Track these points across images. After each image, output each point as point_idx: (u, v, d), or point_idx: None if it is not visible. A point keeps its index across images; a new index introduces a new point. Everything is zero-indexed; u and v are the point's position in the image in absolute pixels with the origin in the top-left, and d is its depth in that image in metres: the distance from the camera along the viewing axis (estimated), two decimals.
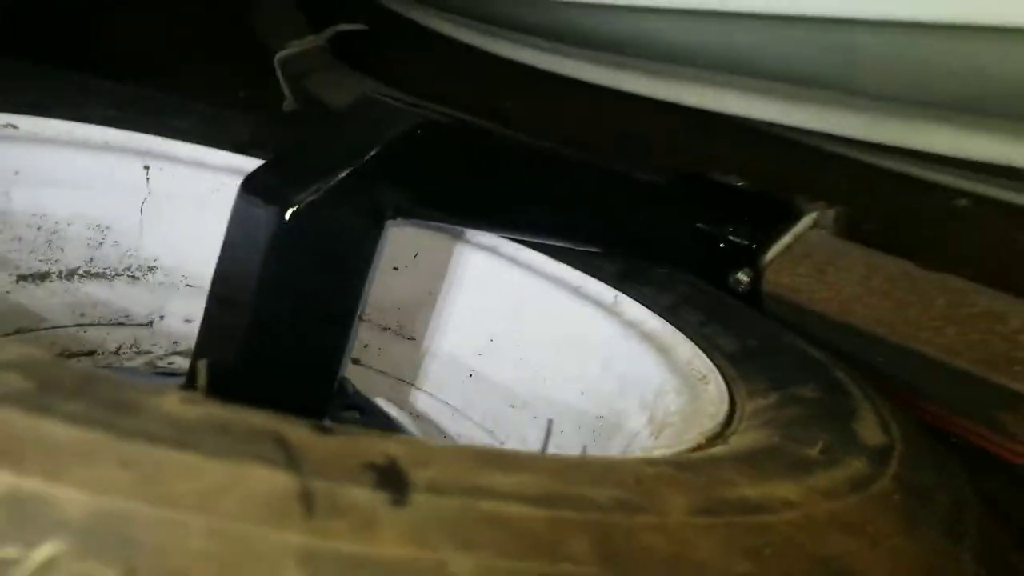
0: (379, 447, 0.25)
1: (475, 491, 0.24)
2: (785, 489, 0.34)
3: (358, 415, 0.66)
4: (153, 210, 0.74)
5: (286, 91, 1.37)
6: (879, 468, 0.42)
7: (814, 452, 0.41)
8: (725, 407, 0.54)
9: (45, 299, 0.70)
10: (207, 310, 0.58)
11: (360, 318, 0.59)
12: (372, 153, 0.53)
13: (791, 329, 0.87)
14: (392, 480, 0.23)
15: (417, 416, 0.81)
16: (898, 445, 0.47)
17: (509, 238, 0.78)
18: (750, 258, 0.87)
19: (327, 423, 0.25)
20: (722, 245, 0.87)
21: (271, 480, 0.21)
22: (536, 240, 0.75)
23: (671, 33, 0.80)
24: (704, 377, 0.62)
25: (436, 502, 0.23)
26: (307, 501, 0.21)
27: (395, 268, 0.82)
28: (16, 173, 0.65)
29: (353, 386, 0.71)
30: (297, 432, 0.24)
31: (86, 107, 0.72)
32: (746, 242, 0.87)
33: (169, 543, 0.18)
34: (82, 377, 0.23)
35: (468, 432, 0.79)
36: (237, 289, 0.55)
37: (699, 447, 0.44)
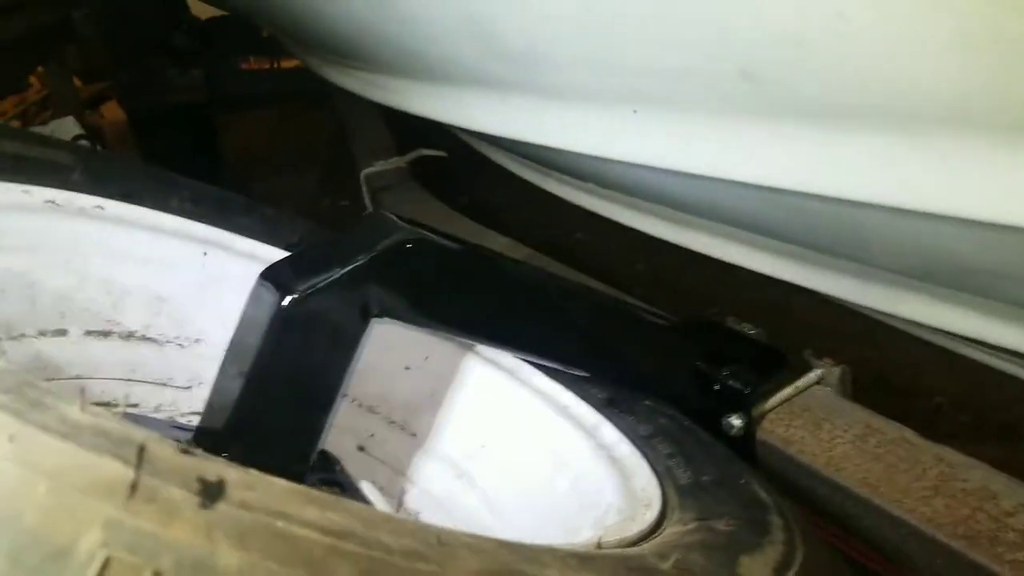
0: (219, 470, 0.33)
1: (279, 515, 0.31)
2: None
3: (339, 491, 0.74)
4: (205, 291, 0.86)
5: (368, 203, 1.53)
6: None
7: (666, 565, 0.45)
8: (647, 529, 0.59)
9: (104, 354, 0.82)
10: (217, 376, 0.68)
11: (340, 400, 0.67)
12: (362, 259, 0.63)
13: (777, 476, 0.90)
14: (211, 491, 0.31)
15: (403, 507, 0.87)
16: None
17: (504, 351, 0.86)
18: (744, 404, 0.92)
19: (192, 448, 0.34)
20: (717, 388, 0.92)
21: (114, 470, 0.29)
22: (520, 356, 0.83)
23: (683, 189, 0.88)
24: (648, 504, 0.66)
25: (237, 513, 0.30)
26: (133, 489, 0.29)
27: (407, 368, 0.91)
28: (96, 245, 0.78)
29: (341, 466, 0.78)
30: (160, 447, 0.32)
31: (169, 199, 0.86)
32: (742, 388, 0.92)
33: (18, 491, 0.26)
34: (22, 382, 0.32)
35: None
36: (240, 359, 0.65)
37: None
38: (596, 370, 0.84)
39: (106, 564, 0.26)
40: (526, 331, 0.75)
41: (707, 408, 0.92)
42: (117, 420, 0.33)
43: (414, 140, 1.61)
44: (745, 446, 0.92)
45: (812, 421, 0.93)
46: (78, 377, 0.79)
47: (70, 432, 0.30)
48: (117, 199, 0.80)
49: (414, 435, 0.90)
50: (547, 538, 0.77)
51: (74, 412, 0.32)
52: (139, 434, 0.33)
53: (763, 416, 0.94)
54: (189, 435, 0.71)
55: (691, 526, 0.59)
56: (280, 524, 0.31)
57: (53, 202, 0.75)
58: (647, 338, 0.89)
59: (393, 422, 0.91)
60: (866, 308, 0.98)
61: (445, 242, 0.70)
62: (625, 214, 1.14)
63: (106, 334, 0.82)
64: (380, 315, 0.66)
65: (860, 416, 0.93)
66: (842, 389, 0.98)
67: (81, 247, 0.77)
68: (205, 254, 0.85)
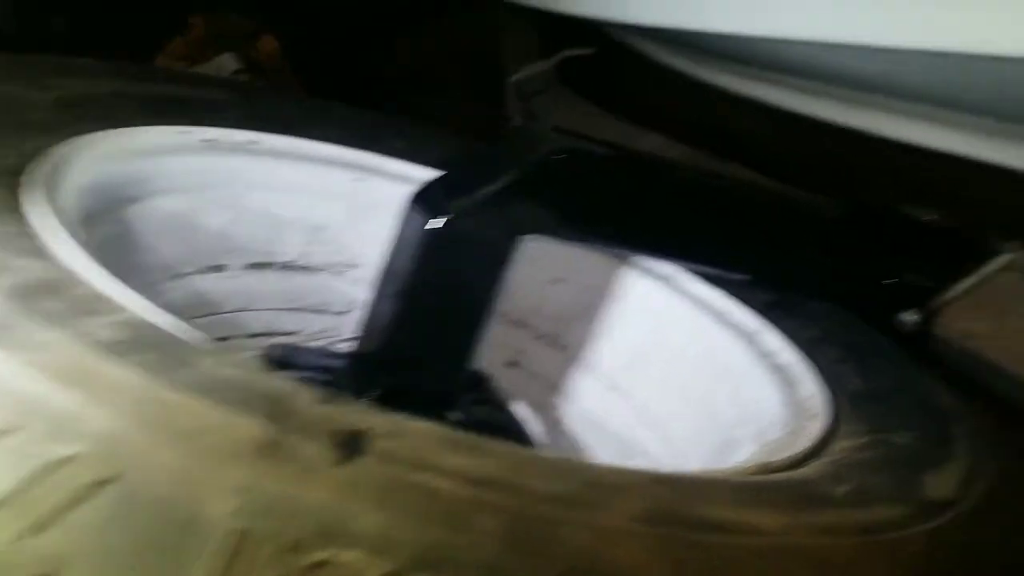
0: (361, 418, 0.32)
1: (421, 465, 0.31)
2: (760, 517, 0.36)
3: (490, 410, 0.74)
4: (358, 216, 0.87)
5: (515, 114, 1.49)
6: (919, 520, 0.42)
7: (841, 490, 0.42)
8: (814, 445, 0.55)
9: (263, 285, 0.85)
10: (372, 300, 0.69)
11: (490, 319, 0.66)
12: (510, 176, 0.61)
13: (957, 375, 0.82)
14: (351, 444, 0.30)
15: (556, 422, 0.87)
16: (967, 504, 0.46)
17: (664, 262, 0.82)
18: (921, 299, 0.84)
19: (331, 395, 0.33)
20: (890, 282, 0.84)
21: (249, 428, 0.29)
22: (678, 264, 0.79)
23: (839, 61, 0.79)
24: (815, 415, 0.62)
25: (377, 467, 0.30)
26: (270, 448, 0.28)
27: (556, 280, 0.89)
28: (252, 180, 0.80)
29: (493, 384, 0.78)
30: (300, 398, 0.32)
31: (323, 128, 0.86)
32: (919, 280, 0.84)
33: (145, 462, 0.26)
34: (167, 339, 0.33)
35: (601, 443, 0.84)
36: (392, 283, 0.65)
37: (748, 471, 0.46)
38: (759, 272, 0.79)
39: (242, 535, 0.25)
40: (687, 238, 0.71)
41: (879, 305, 0.85)
42: (258, 371, 0.33)
43: (560, 45, 1.55)
44: (920, 343, 0.84)
45: (998, 312, 0.84)
46: (239, 310, 0.82)
47: (206, 389, 0.30)
48: (269, 131, 0.81)
49: (565, 348, 0.89)
50: (704, 454, 0.74)
51: (213, 366, 0.32)
52: (279, 385, 0.32)
53: (941, 309, 0.86)
54: (343, 362, 0.73)
55: (863, 440, 0.55)
56: (421, 476, 0.30)
57: (210, 140, 0.76)
58: (813, 232, 0.82)
59: (543, 336, 0.90)
60: None
61: (596, 149, 0.67)
62: (788, 98, 1.05)
63: (264, 266, 0.85)
64: (532, 231, 0.64)
65: None
66: None
67: (238, 183, 0.79)
68: (355, 180, 0.86)
